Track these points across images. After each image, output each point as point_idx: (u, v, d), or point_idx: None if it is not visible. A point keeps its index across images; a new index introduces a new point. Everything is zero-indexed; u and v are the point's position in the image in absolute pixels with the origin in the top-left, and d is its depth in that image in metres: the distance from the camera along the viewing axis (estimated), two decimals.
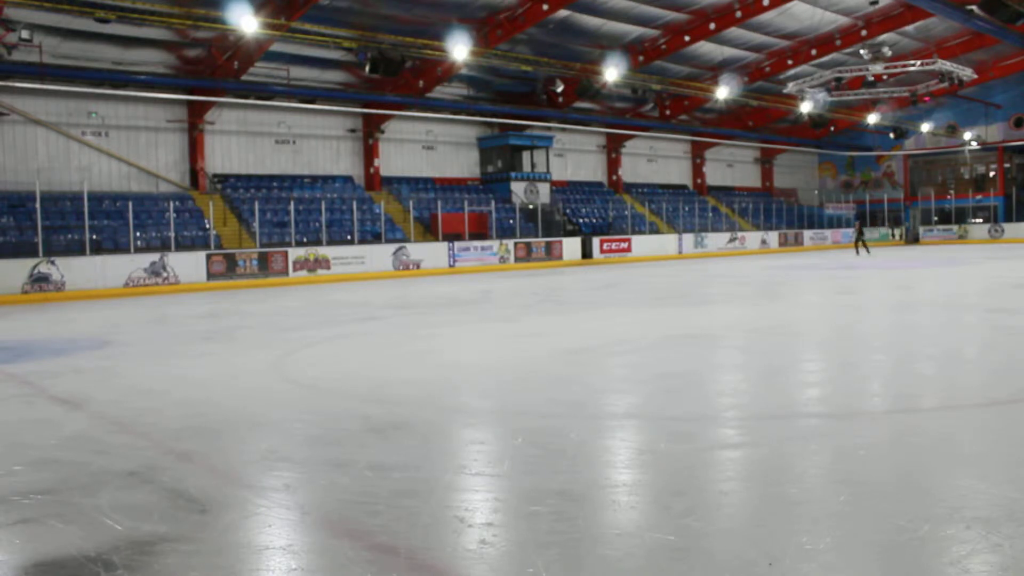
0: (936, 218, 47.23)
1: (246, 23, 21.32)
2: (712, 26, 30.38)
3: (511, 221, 31.73)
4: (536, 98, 33.40)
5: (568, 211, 35.44)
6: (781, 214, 44.02)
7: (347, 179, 30.73)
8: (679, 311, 12.90)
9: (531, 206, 33.07)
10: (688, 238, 37.05)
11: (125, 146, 25.97)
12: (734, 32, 31.82)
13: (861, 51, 32.67)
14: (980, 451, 4.64)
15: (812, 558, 3.11)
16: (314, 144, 30.25)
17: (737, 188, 46.70)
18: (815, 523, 3.51)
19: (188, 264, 22.29)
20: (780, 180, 49.33)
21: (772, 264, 27.26)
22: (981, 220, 45.47)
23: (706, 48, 33.25)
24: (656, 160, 42.55)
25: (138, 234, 22.90)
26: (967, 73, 32.46)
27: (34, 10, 20.30)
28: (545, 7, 26.17)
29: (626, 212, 36.94)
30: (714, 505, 3.77)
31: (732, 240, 39.27)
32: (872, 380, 7.00)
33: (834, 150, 48.54)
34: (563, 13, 27.56)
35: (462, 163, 34.62)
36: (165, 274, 21.77)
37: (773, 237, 41.61)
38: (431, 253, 27.70)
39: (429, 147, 33.51)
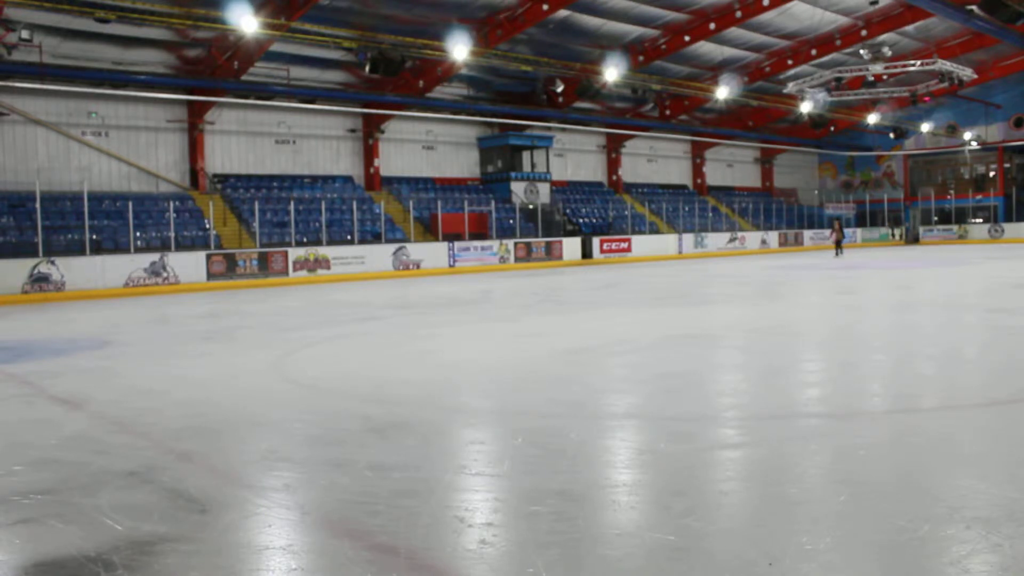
0: (936, 218, 47.23)
1: (246, 23, 21.32)
2: (712, 26, 30.37)
3: (511, 221, 31.73)
4: (536, 98, 33.39)
5: (568, 211, 35.44)
6: (781, 214, 44.02)
7: (347, 179, 30.73)
8: (679, 311, 12.90)
9: (531, 206, 33.08)
10: (688, 238, 37.05)
11: (125, 146, 25.97)
12: (734, 32, 31.82)
13: (861, 51, 32.68)
14: (980, 451, 4.64)
15: (812, 558, 3.11)
16: (314, 144, 30.25)
17: (737, 188, 46.70)
18: (815, 523, 3.51)
19: (188, 264, 22.29)
20: (780, 180, 49.33)
21: (772, 264, 27.26)
22: (981, 220, 45.47)
23: (706, 48, 33.25)
24: (656, 160, 42.56)
25: (138, 234, 22.90)
26: (967, 73, 32.46)
27: (34, 10, 20.30)
28: (545, 7, 26.17)
29: (626, 212, 36.94)
30: (714, 505, 3.77)
31: (732, 240, 39.27)
32: (872, 380, 7.00)
33: (834, 150, 48.54)
34: (563, 13, 27.56)
35: (462, 163, 34.62)
36: (165, 274, 21.77)
37: (773, 237, 41.61)
38: (431, 253, 27.70)
39: (429, 147, 33.51)
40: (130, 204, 22.66)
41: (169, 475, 4.44)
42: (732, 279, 20.21)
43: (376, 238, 27.58)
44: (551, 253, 31.33)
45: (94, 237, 22.07)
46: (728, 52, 34.09)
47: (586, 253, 32.79)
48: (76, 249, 21.40)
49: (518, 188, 33.41)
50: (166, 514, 3.79)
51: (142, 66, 25.23)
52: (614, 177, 40.01)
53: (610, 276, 22.87)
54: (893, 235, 46.77)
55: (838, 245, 34.34)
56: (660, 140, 41.17)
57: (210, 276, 22.60)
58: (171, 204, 23.61)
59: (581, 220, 35.43)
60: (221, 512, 3.83)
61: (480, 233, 30.33)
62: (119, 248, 22.26)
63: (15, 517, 3.83)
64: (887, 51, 32.29)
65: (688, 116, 40.69)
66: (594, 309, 13.52)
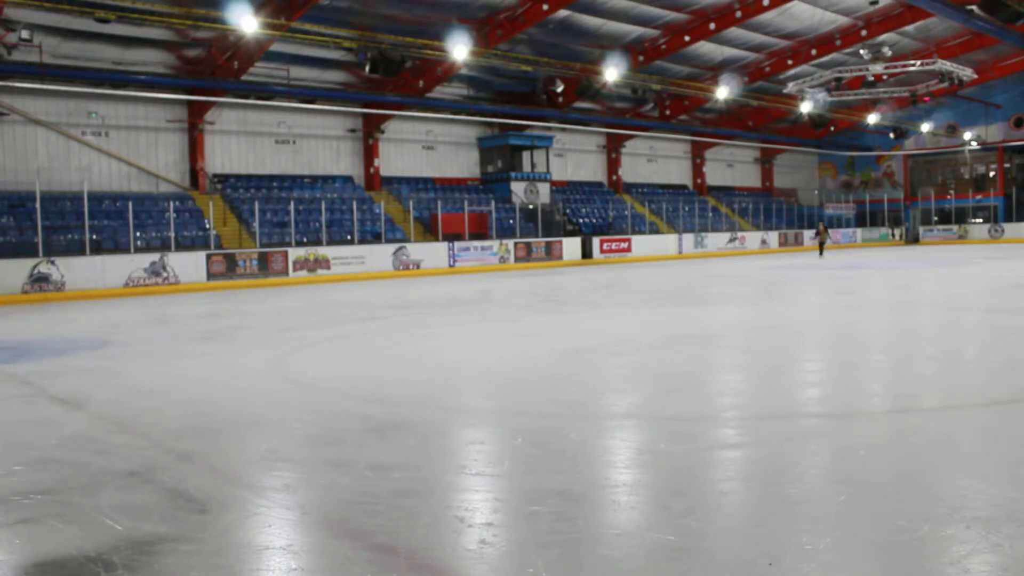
0: (936, 218, 47.23)
1: (246, 23, 21.32)
2: (712, 26, 30.37)
3: (511, 221, 31.73)
4: (536, 98, 33.39)
5: (568, 211, 35.44)
6: (781, 214, 44.03)
7: (347, 179, 30.73)
8: (679, 311, 12.90)
9: (531, 206, 33.08)
10: (688, 238, 37.04)
11: (125, 146, 25.97)
12: (734, 32, 31.82)
13: (861, 51, 32.68)
14: (980, 451, 4.64)
15: (812, 558, 3.11)
16: (314, 144, 30.25)
17: (737, 188, 46.70)
18: (815, 523, 3.51)
19: (188, 264, 22.29)
20: (780, 180, 49.33)
21: (772, 264, 27.26)
22: (981, 220, 45.47)
23: (706, 48, 33.25)
24: (656, 160, 42.55)
25: (138, 234, 22.90)
26: (967, 73, 32.46)
27: (34, 10, 20.30)
28: (545, 7, 26.17)
29: (626, 212, 36.94)
30: (714, 505, 3.77)
31: (732, 240, 39.27)
32: (872, 380, 7.00)
33: (834, 150, 48.54)
34: (563, 13, 27.56)
35: (462, 163, 34.62)
36: (165, 274, 21.77)
37: (773, 237, 41.62)
38: (431, 253, 27.70)
39: (429, 147, 33.51)
40: (130, 204, 22.66)
41: (169, 475, 4.44)
42: (732, 279, 20.21)
43: (376, 238, 27.58)
44: (551, 253, 31.34)
45: (94, 237, 22.07)
46: (728, 52, 34.09)
47: (586, 253, 32.79)
48: (76, 249, 21.40)
49: (518, 188, 33.41)
50: (166, 514, 3.79)
51: (142, 66, 25.23)
52: (614, 177, 40.01)
53: (610, 276, 22.87)
54: (893, 235, 46.78)
55: (822, 246, 34.51)
56: (660, 140, 41.17)
57: (210, 276, 22.60)
58: (171, 204, 23.61)
59: (581, 220, 35.43)
60: (221, 512, 3.83)
61: (480, 233, 30.33)
62: (119, 248, 22.26)
63: (15, 517, 3.83)
64: (887, 51, 32.30)
65: (688, 116, 40.69)
66: (594, 309, 13.52)
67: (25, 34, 21.06)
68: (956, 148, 45.82)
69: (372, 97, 29.71)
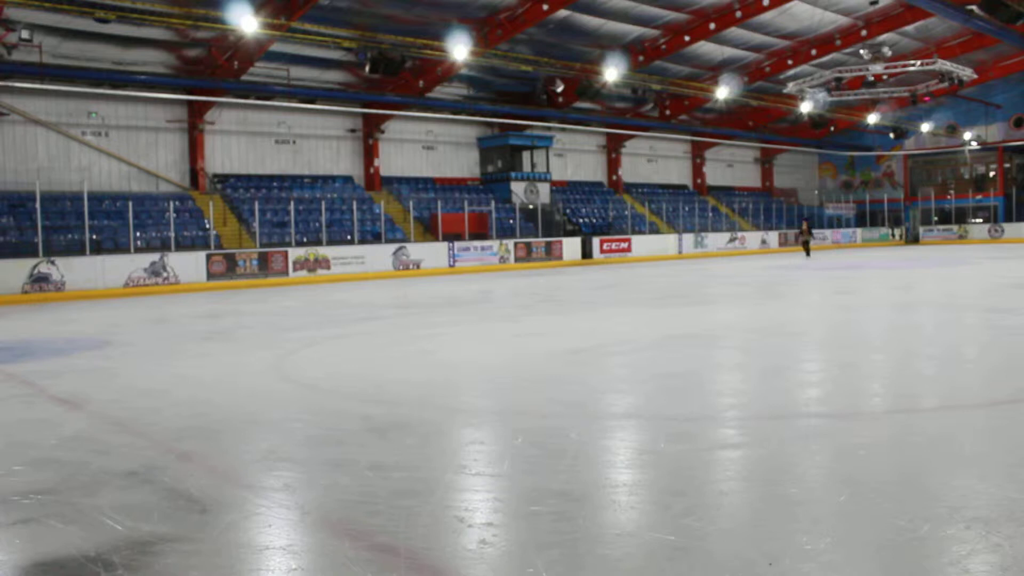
0: (936, 218, 47.23)
1: (246, 23, 21.32)
2: (712, 26, 30.37)
3: (511, 221, 31.73)
4: (536, 98, 33.39)
5: (568, 211, 35.44)
6: (781, 214, 44.03)
7: (347, 179, 30.73)
8: (679, 311, 12.89)
9: (531, 206, 33.08)
10: (688, 238, 37.04)
11: (125, 146, 25.97)
12: (734, 32, 31.82)
13: (861, 51, 32.68)
14: (980, 451, 4.64)
15: (812, 558, 3.11)
16: (314, 144, 30.25)
17: (737, 188, 46.70)
18: (815, 523, 3.51)
19: (188, 264, 22.29)
20: (780, 180, 49.34)
21: (772, 264, 27.26)
22: (981, 220, 45.47)
23: (706, 48, 33.25)
24: (656, 160, 42.55)
25: (138, 234, 22.90)
26: (967, 73, 32.46)
27: (34, 10, 20.30)
28: (545, 7, 26.17)
29: (626, 212, 36.94)
30: (714, 505, 3.77)
31: (732, 240, 39.27)
32: (872, 380, 7.00)
33: (834, 150, 48.54)
34: (563, 13, 27.56)
35: (462, 163, 34.62)
36: (165, 274, 21.77)
37: (773, 237, 41.62)
38: (431, 253, 27.70)
39: (429, 147, 33.52)
40: (130, 204, 22.66)
41: (169, 475, 4.44)
42: (732, 279, 20.21)
43: (376, 238, 27.58)
44: (551, 253, 31.34)
45: (94, 237, 22.08)
46: (728, 52, 34.09)
47: (586, 253, 32.79)
48: (76, 249, 21.41)
49: (518, 188, 33.41)
50: (166, 514, 3.79)
51: (142, 66, 25.23)
52: (614, 177, 40.01)
53: (610, 276, 22.87)
54: (893, 235, 46.78)
55: (806, 246, 33.49)
56: (660, 140, 41.17)
57: (210, 276, 22.61)
58: (171, 204, 23.61)
59: (581, 220, 35.43)
60: (221, 512, 3.83)
61: (480, 233, 30.33)
62: (119, 248, 22.26)
63: (15, 517, 3.83)
64: (887, 51, 32.30)
65: (688, 116, 40.69)
66: (594, 309, 13.52)
67: (25, 34, 21.06)
68: (956, 148, 45.83)
69: (372, 97, 29.71)
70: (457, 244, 28.44)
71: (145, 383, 7.41)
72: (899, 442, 4.81)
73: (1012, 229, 42.63)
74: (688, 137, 41.40)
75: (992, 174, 46.51)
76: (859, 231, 46.48)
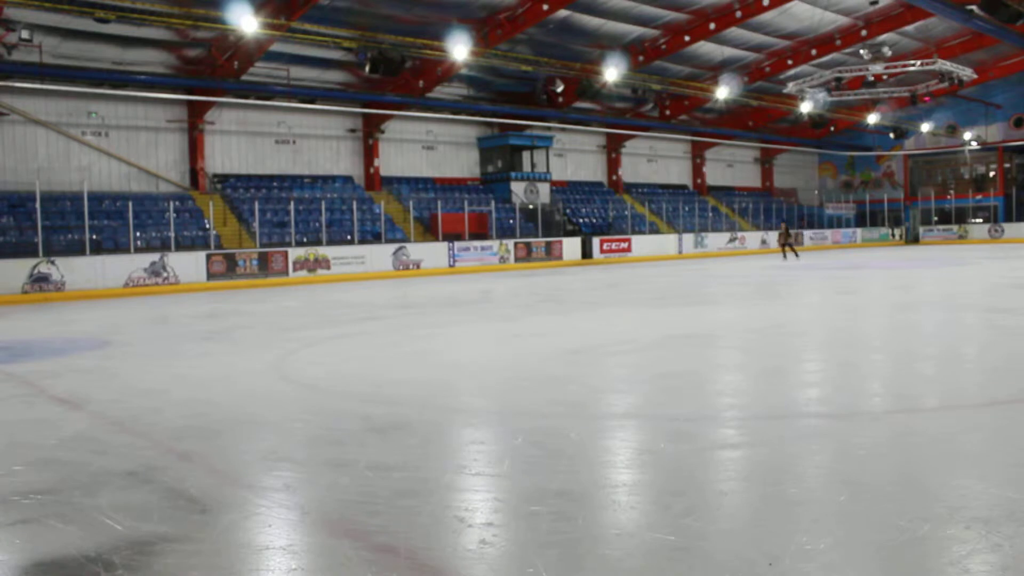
0: (936, 218, 47.23)
1: (246, 23, 21.31)
2: (712, 26, 30.36)
3: (511, 221, 31.73)
4: (536, 98, 33.38)
5: (568, 211, 35.44)
6: (781, 214, 44.00)
7: (347, 179, 30.73)
8: (679, 311, 12.90)
9: (531, 206, 33.07)
10: (688, 238, 37.04)
11: (125, 146, 25.97)
12: (734, 32, 31.81)
13: (861, 51, 32.67)
14: (980, 451, 4.64)
15: (812, 558, 3.11)
16: (314, 144, 30.25)
17: (737, 188, 46.69)
18: (815, 523, 3.51)
19: (188, 264, 22.29)
20: (780, 180, 49.33)
21: (772, 264, 27.26)
22: (981, 220, 45.47)
23: (706, 48, 33.24)
24: (656, 160, 42.55)
25: (138, 234, 22.90)
26: (967, 73, 32.46)
27: (34, 10, 20.29)
28: (545, 7, 26.16)
29: (626, 212, 36.94)
30: (714, 505, 3.77)
31: (732, 240, 39.26)
32: (872, 380, 7.00)
33: (834, 150, 48.54)
34: (563, 13, 27.55)
35: (462, 163, 34.62)
36: (165, 274, 21.77)
37: (773, 237, 41.55)
38: (431, 253, 27.70)
39: (429, 147, 33.51)
40: (130, 204, 22.66)
41: (169, 475, 4.44)
42: (732, 279, 20.21)
43: (376, 238, 27.58)
44: (551, 253, 31.33)
45: (94, 237, 22.08)
46: (728, 52, 34.08)
47: (586, 253, 32.79)
48: (76, 249, 21.40)
49: (518, 188, 33.41)
50: (166, 514, 3.79)
51: (142, 66, 25.23)
52: (614, 177, 40.01)
53: (610, 276, 22.87)
54: (893, 235, 46.78)
55: (784, 248, 31.02)
56: (660, 140, 41.16)
57: (210, 276, 22.60)
58: (171, 204, 23.60)
59: (581, 220, 35.42)
60: (221, 512, 3.83)
61: (480, 233, 30.33)
62: (119, 248, 22.26)
63: (15, 517, 3.83)
64: (887, 51, 32.29)
65: (688, 116, 40.69)
66: (594, 309, 13.52)
67: (25, 34, 21.05)
68: (956, 148, 45.82)
69: (372, 97, 29.71)
70: (457, 244, 28.44)
71: (145, 383, 7.41)
72: (899, 442, 4.81)
73: (1012, 229, 42.63)
74: (688, 137, 41.40)
75: (992, 174, 46.51)
76: (859, 231, 46.48)
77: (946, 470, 4.29)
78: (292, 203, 25.98)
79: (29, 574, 3.19)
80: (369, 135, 31.19)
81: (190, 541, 3.45)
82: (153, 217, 24.03)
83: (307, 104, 28.53)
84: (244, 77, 26.31)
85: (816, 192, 50.99)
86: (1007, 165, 45.91)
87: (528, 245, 30.59)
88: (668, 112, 39.00)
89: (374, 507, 3.80)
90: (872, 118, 40.60)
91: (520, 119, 33.36)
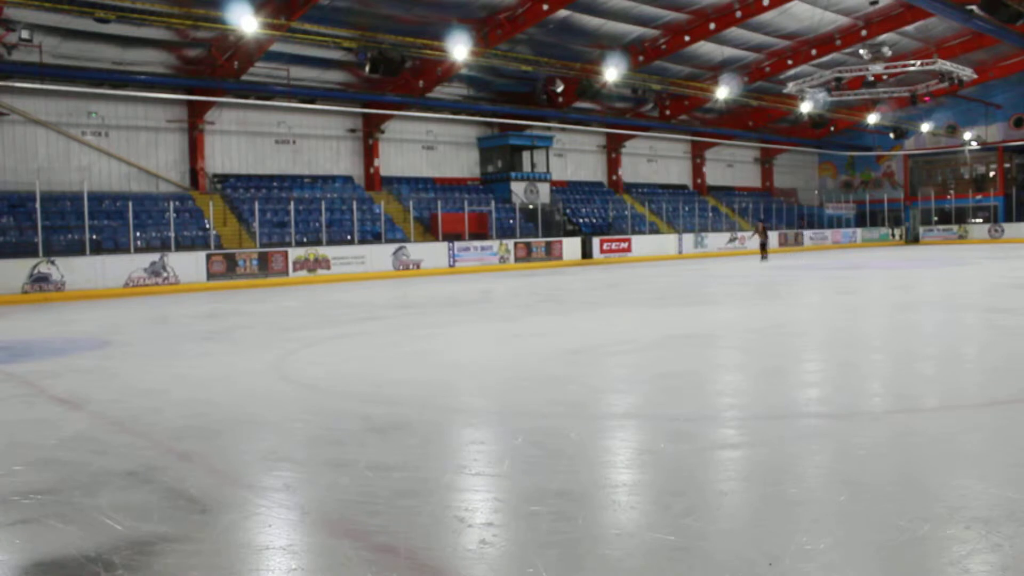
0: (936, 218, 47.23)
1: (246, 23, 21.31)
2: (712, 26, 30.36)
3: (511, 221, 31.73)
4: (536, 98, 33.38)
5: (568, 211, 35.44)
6: (781, 214, 44.02)
7: (347, 179, 30.73)
8: (679, 311, 12.90)
9: (531, 206, 33.07)
10: (688, 238, 37.04)
11: (125, 146, 25.97)
12: (734, 32, 31.81)
13: (861, 51, 32.67)
14: (980, 451, 4.64)
15: (812, 558, 3.11)
16: (314, 144, 30.25)
17: (737, 188, 46.69)
18: (815, 523, 3.51)
19: (188, 264, 22.29)
20: (780, 180, 49.33)
21: (772, 264, 27.26)
22: (981, 220, 45.47)
23: (706, 48, 33.24)
24: (656, 160, 42.55)
25: (138, 234, 22.90)
26: (967, 73, 32.45)
27: (34, 10, 20.29)
28: (545, 7, 26.16)
29: (626, 212, 36.94)
30: (714, 505, 3.77)
31: (732, 240, 39.25)
32: (872, 380, 7.00)
33: (834, 150, 48.54)
34: (563, 13, 27.55)
35: (462, 163, 34.61)
36: (165, 274, 21.77)
37: (773, 237, 41.56)
38: (431, 253, 27.70)
39: (429, 147, 33.51)
40: (130, 204, 22.66)
41: (169, 475, 4.44)
42: (732, 279, 20.21)
43: (376, 238, 27.58)
44: (551, 253, 31.33)
45: (94, 237, 22.07)
46: (728, 52, 34.08)
47: (586, 253, 32.78)
48: (76, 249, 21.40)
49: (518, 188, 33.41)
50: (166, 514, 3.79)
51: (142, 66, 25.23)
52: (614, 177, 40.01)
53: (610, 276, 22.87)
54: (893, 235, 46.78)
55: (763, 249, 30.53)
56: (660, 140, 41.16)
57: (210, 276, 22.60)
58: (171, 204, 23.60)
59: (581, 220, 35.42)
60: (221, 512, 3.83)
61: (480, 233, 30.33)
62: (119, 248, 22.25)
63: (15, 517, 3.83)
64: (887, 51, 32.29)
65: (688, 116, 40.68)
66: (594, 309, 13.52)
67: (25, 34, 21.05)
68: (956, 148, 45.82)
69: (372, 97, 29.70)
70: (457, 244, 28.44)
71: (145, 383, 7.41)
72: (899, 442, 4.81)
73: (1012, 229, 42.62)
74: (688, 137, 41.39)
75: (992, 174, 46.51)
76: (859, 231, 46.49)
77: (946, 470, 4.29)
78: (292, 203, 25.98)
79: (29, 574, 3.19)
80: (369, 135, 31.18)
81: (190, 541, 3.45)
82: (153, 217, 24.03)
83: (307, 104, 28.52)
84: (244, 77, 26.31)
85: (816, 192, 50.99)
86: (1007, 165, 45.90)
87: (528, 245, 30.59)
88: (668, 112, 39.00)
89: (374, 507, 3.80)
90: (872, 118, 40.60)
91: (520, 119, 33.35)
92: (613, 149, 39.98)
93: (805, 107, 35.41)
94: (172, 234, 22.98)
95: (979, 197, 46.03)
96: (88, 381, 7.65)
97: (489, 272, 27.85)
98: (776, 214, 43.71)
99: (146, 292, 21.09)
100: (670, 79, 33.73)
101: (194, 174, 27.03)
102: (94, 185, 24.60)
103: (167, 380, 7.56)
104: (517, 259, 30.07)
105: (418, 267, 27.10)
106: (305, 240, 26.06)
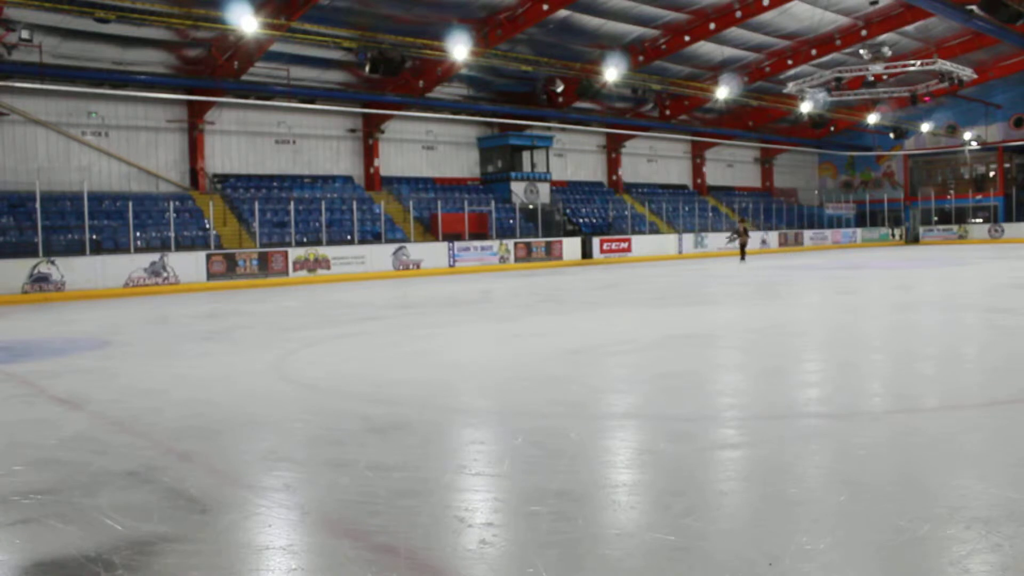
0: (936, 218, 47.23)
1: (246, 23, 21.31)
2: (712, 26, 30.36)
3: (511, 221, 31.72)
4: (536, 98, 33.38)
5: (568, 211, 35.44)
6: (781, 214, 44.02)
7: (347, 179, 30.73)
8: (679, 311, 12.90)
9: (531, 206, 33.07)
10: (688, 238, 37.04)
11: (125, 146, 25.97)
12: (734, 32, 31.81)
13: (861, 51, 32.66)
14: (980, 451, 4.64)
15: (812, 558, 3.11)
16: (314, 144, 30.25)
17: (737, 188, 46.68)
18: (815, 523, 3.51)
19: (188, 264, 22.28)
20: (780, 180, 49.33)
21: (772, 264, 27.25)
22: (981, 220, 45.47)
23: (706, 48, 33.24)
24: (656, 160, 42.55)
25: (138, 234, 22.90)
26: (967, 73, 32.46)
27: (34, 10, 20.29)
28: (545, 7, 26.16)
29: (626, 212, 36.93)
30: (714, 505, 3.77)
31: (732, 240, 39.20)
32: (872, 380, 7.00)
33: (834, 150, 48.54)
34: (563, 13, 27.55)
35: (462, 163, 34.61)
36: (165, 274, 21.76)
37: (773, 237, 41.59)
38: (431, 253, 27.70)
39: (429, 147, 33.51)
40: (130, 204, 22.65)
41: (169, 475, 4.44)
42: (732, 279, 20.21)
43: (376, 238, 27.58)
44: (551, 253, 31.33)
45: (94, 237, 22.07)
46: (728, 52, 34.08)
47: (586, 253, 32.78)
48: (76, 249, 21.40)
49: (518, 188, 33.41)
50: (166, 514, 3.79)
51: (142, 66, 25.23)
52: (614, 177, 40.01)
53: (610, 276, 22.87)
54: (893, 235, 46.77)
55: (743, 249, 30.12)
56: (660, 140, 41.16)
57: (210, 276, 22.60)
58: (171, 204, 23.60)
59: (581, 220, 35.42)
60: (221, 512, 3.83)
61: (480, 233, 30.33)
62: (119, 248, 22.25)
63: (15, 517, 3.83)
64: (887, 51, 32.28)
65: (688, 116, 40.68)
66: (594, 309, 13.52)
67: (25, 34, 21.05)
68: (956, 148, 45.82)
69: (372, 97, 29.70)
70: (457, 244, 28.43)
71: (145, 383, 7.41)
72: (899, 442, 4.81)
73: (1012, 229, 42.62)
74: (688, 137, 41.39)
75: (992, 174, 46.51)
76: (859, 231, 46.49)
77: (946, 470, 4.29)
78: (292, 203, 25.98)
79: (29, 574, 3.19)
80: (369, 135, 31.18)
81: (190, 541, 3.45)
82: (153, 217, 24.03)
83: (307, 104, 28.52)
84: (244, 77, 26.31)
85: (816, 192, 50.98)
86: (1007, 165, 45.90)
87: (528, 245, 30.59)
88: (668, 112, 39.00)
89: (374, 507, 3.80)
90: (872, 118, 40.60)
91: (520, 119, 33.35)
92: (613, 149, 39.98)
93: (805, 107, 35.42)
94: (172, 234, 22.98)
95: (979, 197, 46.03)
96: (88, 381, 7.64)
97: (489, 272, 27.85)
98: (776, 214, 43.71)
99: (146, 292, 21.09)
100: (670, 79, 33.73)
101: (194, 174, 27.03)
102: (94, 185, 24.60)
103: (167, 380, 7.56)
104: (517, 259, 30.07)
105: (418, 267, 27.10)
106: (305, 240, 26.06)
